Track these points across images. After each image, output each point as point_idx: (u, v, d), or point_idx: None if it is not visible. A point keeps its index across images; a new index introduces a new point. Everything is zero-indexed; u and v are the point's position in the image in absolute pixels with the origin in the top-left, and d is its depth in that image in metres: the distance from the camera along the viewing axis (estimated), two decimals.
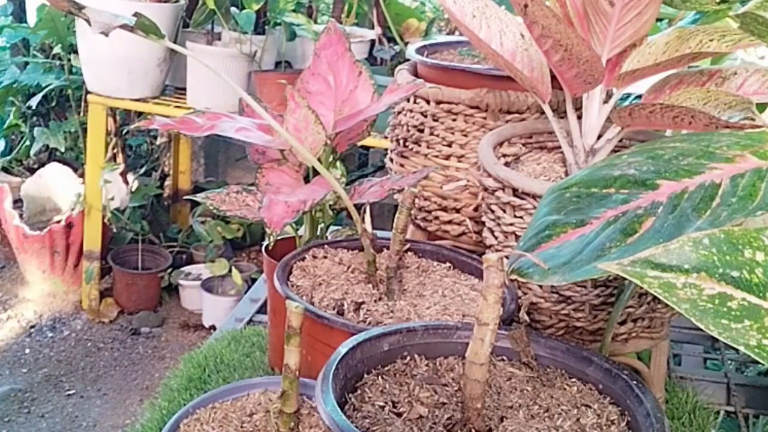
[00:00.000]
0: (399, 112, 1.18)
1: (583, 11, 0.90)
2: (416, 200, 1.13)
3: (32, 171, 3.00)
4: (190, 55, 1.13)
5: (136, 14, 0.88)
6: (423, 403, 0.68)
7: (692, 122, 0.80)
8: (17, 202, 2.92)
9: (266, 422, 0.75)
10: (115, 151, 2.92)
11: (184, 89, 2.49)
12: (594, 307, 0.93)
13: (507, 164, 0.98)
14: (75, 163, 2.99)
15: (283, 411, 0.71)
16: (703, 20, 1.12)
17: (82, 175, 2.84)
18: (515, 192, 0.90)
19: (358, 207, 0.99)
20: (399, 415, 0.66)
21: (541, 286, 0.93)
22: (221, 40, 2.54)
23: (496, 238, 0.95)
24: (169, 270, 2.87)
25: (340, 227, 1.28)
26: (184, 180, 3.10)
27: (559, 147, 0.97)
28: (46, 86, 2.83)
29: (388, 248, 0.95)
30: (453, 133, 1.12)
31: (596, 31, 0.89)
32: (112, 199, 2.74)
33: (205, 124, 0.98)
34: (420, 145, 1.15)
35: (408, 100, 1.15)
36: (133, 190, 2.91)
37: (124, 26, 0.86)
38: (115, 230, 2.90)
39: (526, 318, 0.74)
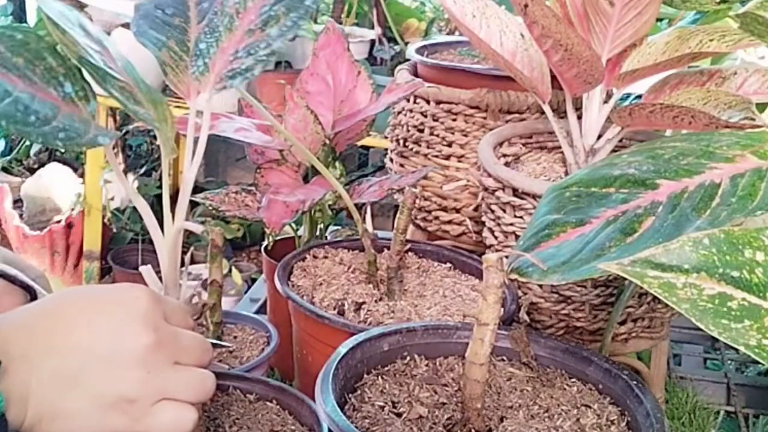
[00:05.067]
0: (399, 112, 1.18)
1: (583, 11, 0.90)
2: (416, 200, 1.13)
3: (32, 171, 3.00)
4: None
5: None
6: (423, 403, 0.68)
7: (692, 122, 0.80)
8: (17, 202, 2.92)
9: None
10: (115, 151, 2.92)
11: None
12: (594, 307, 0.93)
13: (507, 164, 0.98)
14: (75, 163, 2.99)
15: (212, 321, 0.72)
16: (703, 20, 1.12)
17: (82, 175, 2.84)
18: (515, 192, 0.90)
19: (359, 207, 0.99)
20: (399, 415, 0.66)
21: (541, 286, 0.93)
22: None
23: (496, 238, 0.95)
24: None
25: (339, 227, 1.28)
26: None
27: (559, 147, 0.97)
28: None
29: (388, 248, 0.95)
30: (453, 133, 1.12)
31: (596, 31, 0.89)
32: (112, 199, 2.74)
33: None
34: (420, 145, 1.15)
35: (408, 100, 1.15)
36: None
37: (125, 25, 0.86)
38: (115, 230, 2.90)
39: (526, 318, 0.74)
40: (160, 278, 0.66)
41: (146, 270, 0.66)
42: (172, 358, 0.56)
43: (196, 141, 0.67)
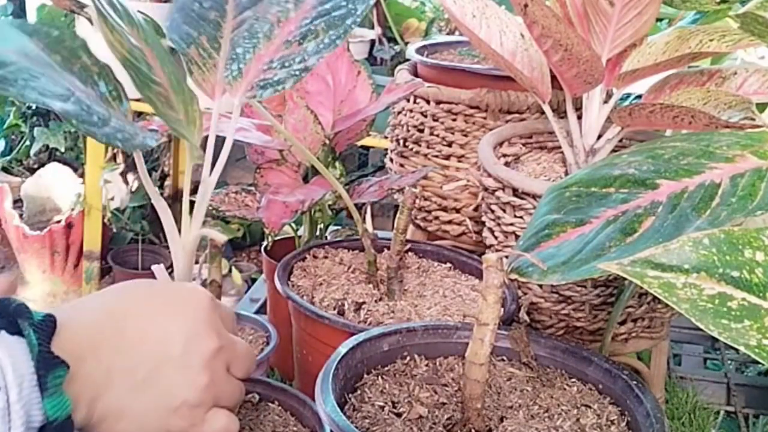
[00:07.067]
0: (399, 112, 1.18)
1: (583, 11, 0.90)
2: (416, 200, 1.13)
3: (32, 171, 2.99)
4: None
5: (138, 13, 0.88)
6: (423, 403, 0.68)
7: (692, 122, 0.80)
8: (17, 202, 2.92)
9: None
10: (115, 151, 2.91)
11: None
12: (594, 307, 0.93)
13: (507, 164, 0.98)
14: (75, 163, 2.99)
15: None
16: (703, 20, 1.12)
17: (82, 175, 2.84)
18: (515, 192, 0.90)
19: (359, 207, 0.99)
20: (399, 415, 0.66)
21: (541, 286, 0.93)
22: None
23: (496, 238, 0.95)
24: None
25: (339, 227, 1.28)
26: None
27: (559, 147, 0.97)
28: None
29: (388, 248, 0.95)
30: (453, 133, 1.12)
31: (596, 31, 0.89)
32: (112, 199, 2.74)
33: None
34: (420, 145, 1.15)
35: (408, 100, 1.15)
36: (133, 190, 2.91)
37: None
38: (115, 230, 2.90)
39: (526, 318, 0.75)
40: (172, 278, 0.66)
41: (158, 269, 0.66)
42: (227, 365, 0.56)
43: (221, 142, 0.67)
